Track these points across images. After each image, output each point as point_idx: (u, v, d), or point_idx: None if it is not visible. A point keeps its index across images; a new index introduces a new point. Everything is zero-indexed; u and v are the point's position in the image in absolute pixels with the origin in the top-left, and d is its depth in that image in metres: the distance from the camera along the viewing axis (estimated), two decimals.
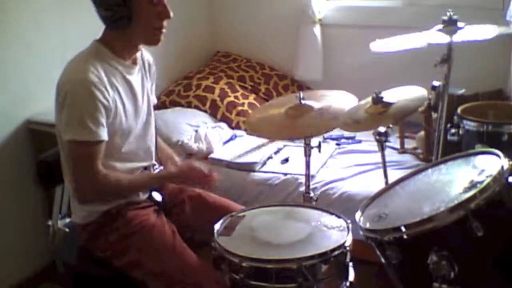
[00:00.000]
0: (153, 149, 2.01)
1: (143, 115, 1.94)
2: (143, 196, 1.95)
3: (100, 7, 1.75)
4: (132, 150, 1.90)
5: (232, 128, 3.19)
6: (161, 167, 2.05)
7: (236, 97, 3.31)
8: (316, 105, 2.12)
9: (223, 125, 3.18)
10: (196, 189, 2.10)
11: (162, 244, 1.84)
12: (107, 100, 1.74)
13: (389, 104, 1.94)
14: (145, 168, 1.97)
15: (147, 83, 1.99)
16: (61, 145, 1.84)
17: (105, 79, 1.75)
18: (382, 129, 2.00)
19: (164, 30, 1.82)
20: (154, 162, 2.01)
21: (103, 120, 1.73)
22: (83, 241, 1.91)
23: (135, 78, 1.89)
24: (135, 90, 1.89)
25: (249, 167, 2.77)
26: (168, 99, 3.31)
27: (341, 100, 2.16)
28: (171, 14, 1.80)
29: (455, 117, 2.39)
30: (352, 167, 2.76)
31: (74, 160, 1.74)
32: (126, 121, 1.84)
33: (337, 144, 3.03)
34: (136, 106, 1.89)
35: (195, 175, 1.87)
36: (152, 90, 2.04)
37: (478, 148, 1.99)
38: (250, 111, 3.20)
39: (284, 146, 2.98)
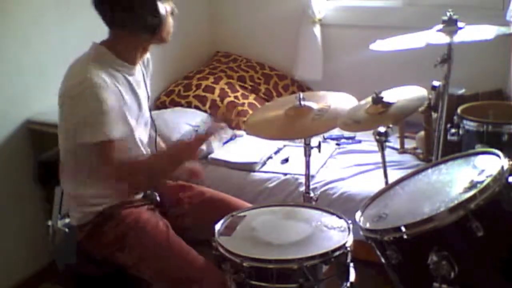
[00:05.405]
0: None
1: (146, 114, 1.96)
2: (139, 195, 1.96)
3: (129, 11, 1.75)
4: (135, 148, 1.90)
5: (232, 128, 3.19)
6: None
7: (236, 97, 3.31)
8: (315, 106, 2.12)
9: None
10: (194, 186, 2.11)
11: (156, 240, 1.85)
12: (112, 100, 1.74)
13: (389, 104, 1.94)
14: None
15: (147, 80, 2.01)
16: (65, 148, 1.84)
17: (107, 80, 1.75)
18: (382, 129, 2.00)
19: None
20: None
21: (112, 120, 1.73)
22: (81, 242, 1.92)
23: (136, 78, 1.91)
24: (137, 91, 1.90)
25: (249, 167, 2.77)
26: (168, 99, 3.31)
27: (341, 101, 2.16)
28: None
29: (455, 117, 2.38)
30: (352, 167, 2.76)
31: (94, 160, 1.74)
32: (130, 119, 1.84)
33: (337, 144, 3.03)
34: (139, 106, 1.91)
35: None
36: (148, 85, 2.05)
37: (478, 148, 1.99)
38: (250, 111, 3.20)
39: (284, 146, 2.98)
